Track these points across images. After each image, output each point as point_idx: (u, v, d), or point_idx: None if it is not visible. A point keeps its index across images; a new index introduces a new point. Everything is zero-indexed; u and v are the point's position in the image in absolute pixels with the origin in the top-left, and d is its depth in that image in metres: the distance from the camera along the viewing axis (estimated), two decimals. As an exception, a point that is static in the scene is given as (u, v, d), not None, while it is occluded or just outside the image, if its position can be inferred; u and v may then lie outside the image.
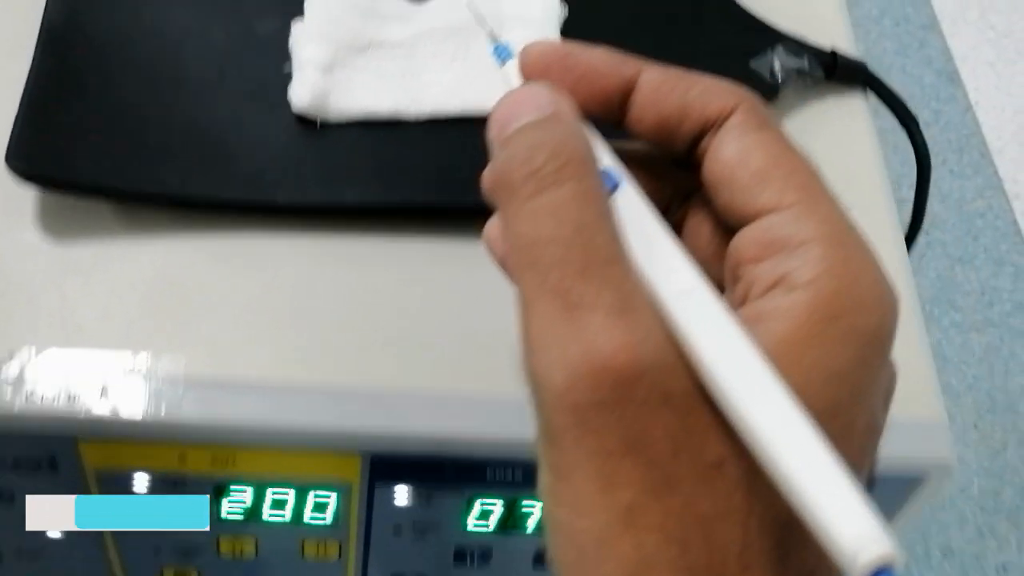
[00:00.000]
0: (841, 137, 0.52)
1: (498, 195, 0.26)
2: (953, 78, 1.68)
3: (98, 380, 0.39)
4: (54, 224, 0.42)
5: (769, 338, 0.23)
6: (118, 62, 0.46)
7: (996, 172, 1.61)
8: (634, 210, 0.26)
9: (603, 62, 0.28)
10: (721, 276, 0.27)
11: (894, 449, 0.43)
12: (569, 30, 0.49)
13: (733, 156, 0.26)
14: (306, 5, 0.48)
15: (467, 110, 0.46)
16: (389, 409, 0.40)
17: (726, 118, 0.27)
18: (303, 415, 0.39)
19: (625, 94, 0.28)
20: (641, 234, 0.25)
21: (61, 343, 0.39)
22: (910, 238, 0.57)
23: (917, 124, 0.54)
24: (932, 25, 1.73)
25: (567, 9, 0.49)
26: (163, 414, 0.38)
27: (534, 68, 0.29)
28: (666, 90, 0.28)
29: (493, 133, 0.27)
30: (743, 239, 0.26)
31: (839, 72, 0.52)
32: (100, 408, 0.38)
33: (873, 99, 0.54)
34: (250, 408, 0.39)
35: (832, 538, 0.20)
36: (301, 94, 0.45)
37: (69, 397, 0.38)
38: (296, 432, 0.39)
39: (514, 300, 0.25)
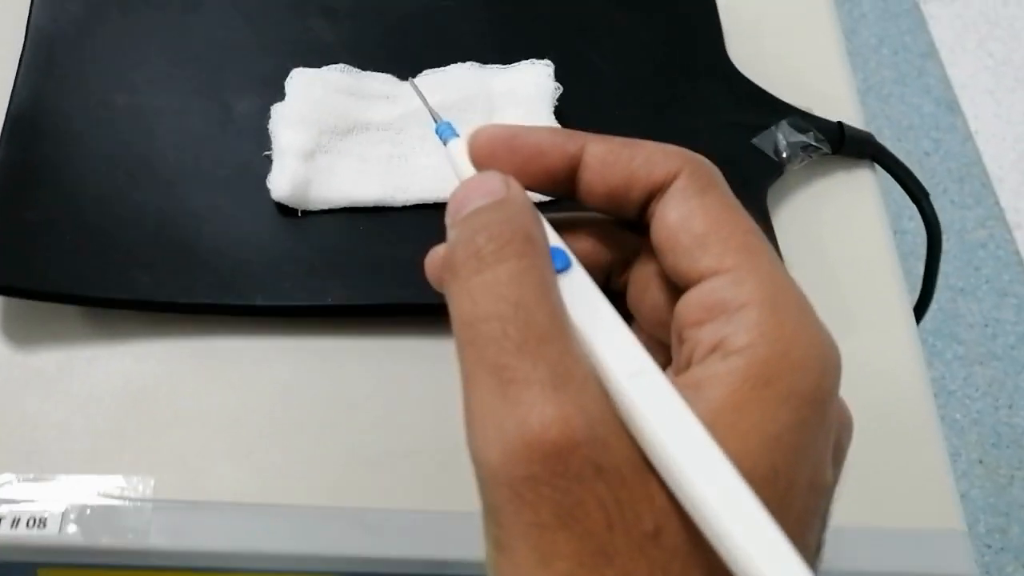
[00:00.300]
0: (849, 211, 0.50)
1: (444, 278, 0.26)
2: (952, 107, 1.67)
3: (60, 504, 0.36)
4: (15, 329, 0.40)
5: (707, 406, 0.24)
6: (87, 154, 0.43)
7: (997, 202, 1.59)
8: (584, 291, 0.26)
9: (547, 141, 0.29)
10: (667, 339, 0.28)
11: (913, 561, 0.41)
12: (566, 106, 0.47)
13: (676, 221, 0.27)
14: (287, 85, 0.46)
15: None
16: (370, 531, 0.37)
17: (671, 182, 0.27)
18: (279, 539, 0.37)
19: (572, 170, 0.28)
20: (591, 315, 0.26)
21: (20, 465, 0.37)
22: (920, 310, 0.55)
23: (927, 197, 0.52)
24: (931, 53, 1.71)
25: (561, 87, 0.47)
26: (129, 540, 0.36)
27: (481, 151, 0.29)
28: (611, 161, 0.28)
29: (447, 221, 0.28)
30: (686, 302, 0.26)
31: (846, 145, 0.50)
32: (62, 534, 0.36)
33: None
34: (223, 533, 0.37)
35: None
36: (281, 183, 0.42)
37: (29, 522, 0.36)
38: (272, 556, 0.37)
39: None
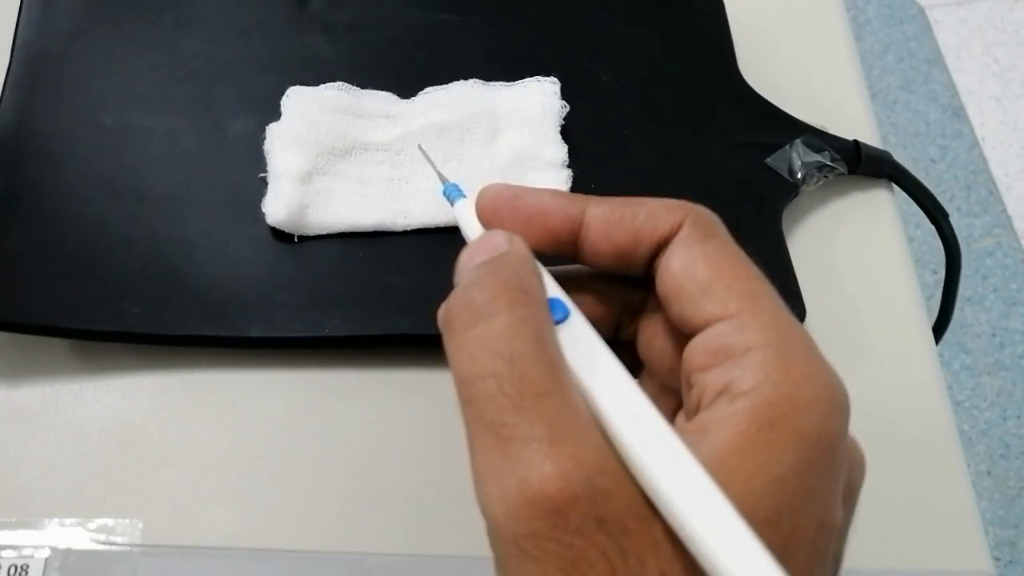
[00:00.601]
0: (866, 232, 0.48)
1: (443, 330, 0.27)
2: (959, 113, 1.65)
3: (43, 551, 0.34)
4: (1, 363, 0.38)
5: (711, 448, 0.24)
6: (73, 178, 0.41)
7: (1004, 209, 1.57)
8: (584, 340, 0.27)
9: (549, 203, 0.29)
10: (679, 385, 0.28)
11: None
12: (573, 125, 0.45)
13: (680, 270, 0.27)
14: (283, 104, 0.44)
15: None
16: (372, 578, 0.35)
17: (675, 234, 0.28)
18: (275, 586, 0.35)
19: (572, 233, 0.29)
20: (590, 362, 0.26)
21: (1, 508, 0.35)
22: (939, 331, 0.53)
23: (947, 217, 0.50)
24: (936, 60, 1.69)
25: (567, 106, 0.45)
26: (117, 588, 0.34)
27: (486, 211, 0.30)
28: (614, 221, 0.29)
29: (455, 280, 0.28)
30: (693, 348, 0.27)
31: (863, 164, 0.48)
32: (46, 582, 0.34)
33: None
34: (215, 580, 0.35)
35: None
36: (276, 208, 0.41)
37: (10, 570, 0.34)
38: (268, 604, 0.35)
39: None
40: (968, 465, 1.31)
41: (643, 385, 0.26)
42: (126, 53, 0.45)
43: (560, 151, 0.44)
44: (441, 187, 0.33)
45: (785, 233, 0.45)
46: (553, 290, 0.28)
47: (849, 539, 0.27)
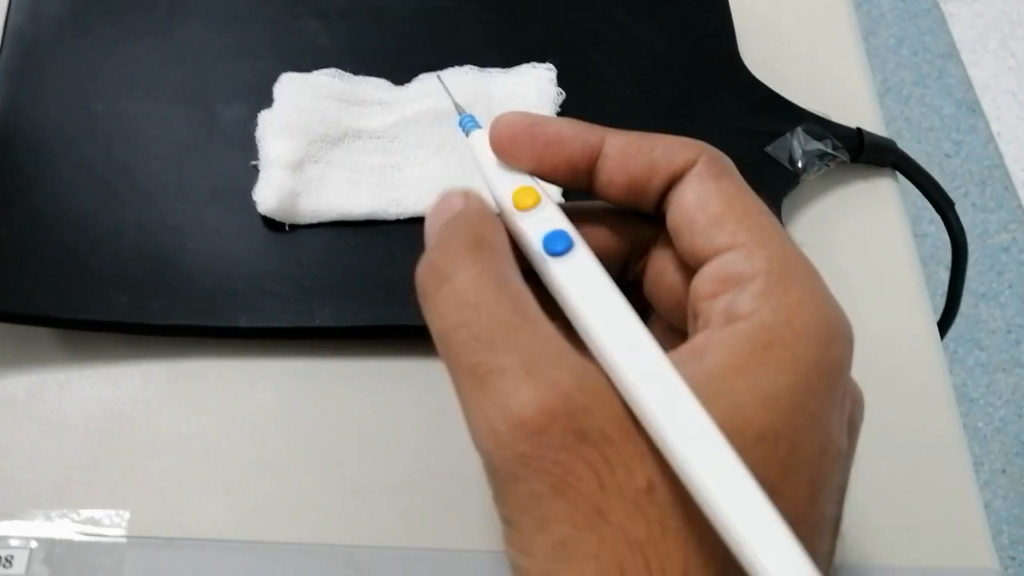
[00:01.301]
0: (869, 222, 0.47)
1: (419, 301, 0.28)
2: (974, 108, 1.63)
3: (28, 542, 0.34)
4: (-15, 352, 0.38)
5: (704, 367, 0.25)
6: (62, 165, 0.41)
7: (1020, 204, 1.55)
8: (585, 270, 0.27)
9: (568, 131, 0.30)
10: (684, 324, 0.29)
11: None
12: (571, 112, 0.44)
13: (692, 202, 0.28)
14: (275, 91, 0.43)
15: None
16: (360, 570, 0.35)
17: (689, 169, 0.28)
18: (262, 579, 0.34)
19: (591, 161, 0.29)
20: (591, 293, 0.26)
21: (-13, 498, 0.35)
22: (944, 325, 0.52)
23: (953, 207, 0.49)
24: (951, 54, 1.67)
25: (563, 93, 0.44)
26: (102, 580, 0.34)
27: (501, 139, 0.30)
28: (632, 152, 0.29)
29: (425, 245, 0.29)
30: (701, 278, 0.27)
31: (866, 152, 0.47)
32: (30, 574, 0.33)
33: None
34: (201, 571, 0.34)
35: (756, 571, 0.21)
36: (267, 196, 0.40)
37: (-4, 560, 0.34)
38: (255, 597, 0.34)
39: None
40: (983, 463, 1.29)
41: (649, 327, 0.26)
42: (118, 39, 0.45)
43: None
44: (458, 117, 0.33)
45: (785, 223, 0.45)
46: (558, 222, 0.28)
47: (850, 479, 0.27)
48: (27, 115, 0.42)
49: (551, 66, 0.45)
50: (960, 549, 0.38)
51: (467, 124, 0.33)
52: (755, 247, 0.26)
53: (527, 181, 0.30)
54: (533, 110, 0.44)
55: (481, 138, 0.31)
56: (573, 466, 0.23)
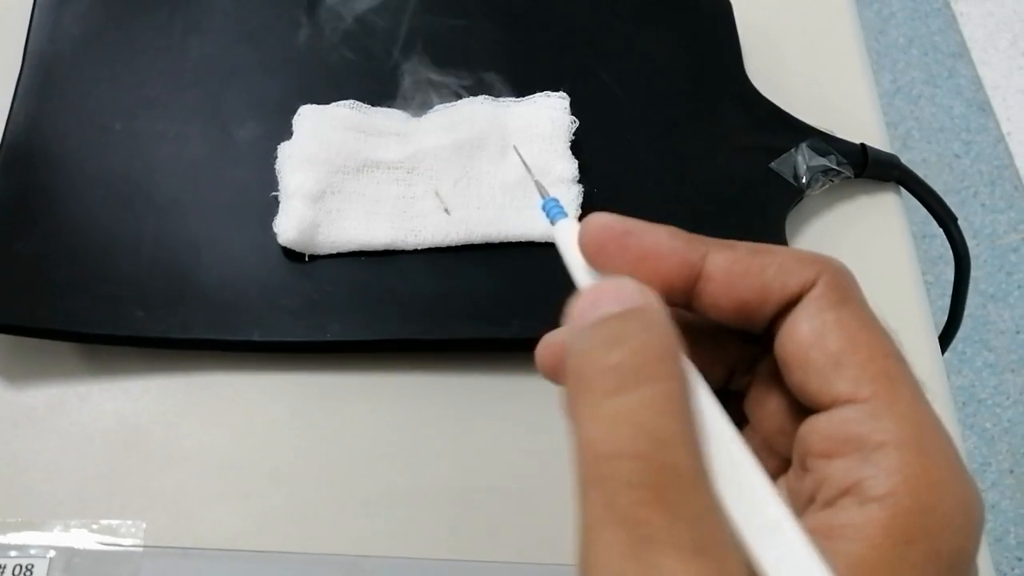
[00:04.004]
0: (873, 237, 0.48)
1: (569, 385, 0.23)
2: (984, 108, 1.63)
3: (47, 551, 0.35)
4: (3, 366, 0.39)
5: (844, 561, 0.22)
6: (82, 183, 0.42)
7: (1030, 205, 1.55)
8: (707, 414, 0.23)
9: (666, 245, 0.26)
10: (787, 450, 0.26)
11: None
12: (581, 128, 0.45)
13: (808, 336, 0.24)
14: (295, 123, 0.44)
15: (470, 239, 0.42)
16: (370, 581, 0.36)
17: (806, 293, 0.25)
18: (275, 588, 0.35)
19: (690, 279, 0.26)
20: (718, 447, 0.23)
21: (7, 509, 0.36)
22: (946, 339, 0.53)
23: (955, 221, 0.50)
24: (961, 54, 1.67)
25: (577, 122, 0.45)
26: (120, 588, 0.35)
27: (591, 242, 0.27)
28: (739, 272, 0.25)
29: (571, 320, 0.25)
30: (814, 429, 0.24)
31: (870, 168, 0.48)
32: (51, 582, 0.35)
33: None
34: (216, 581, 0.35)
35: None
36: (287, 228, 0.41)
37: (15, 570, 0.35)
38: (268, 605, 0.35)
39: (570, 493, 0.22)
40: (990, 464, 1.28)
41: (745, 437, 0.23)
42: (135, 59, 0.46)
43: (571, 167, 0.43)
44: (540, 201, 0.30)
45: (789, 239, 0.45)
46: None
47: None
48: (47, 134, 0.43)
49: (564, 95, 0.45)
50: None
51: (552, 212, 0.29)
52: (882, 405, 0.23)
53: None
54: (548, 141, 0.44)
55: (567, 229, 0.28)
56: None
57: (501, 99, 0.45)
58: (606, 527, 0.21)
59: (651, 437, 0.21)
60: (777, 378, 0.26)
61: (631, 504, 0.21)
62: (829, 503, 0.23)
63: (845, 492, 0.23)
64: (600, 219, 0.26)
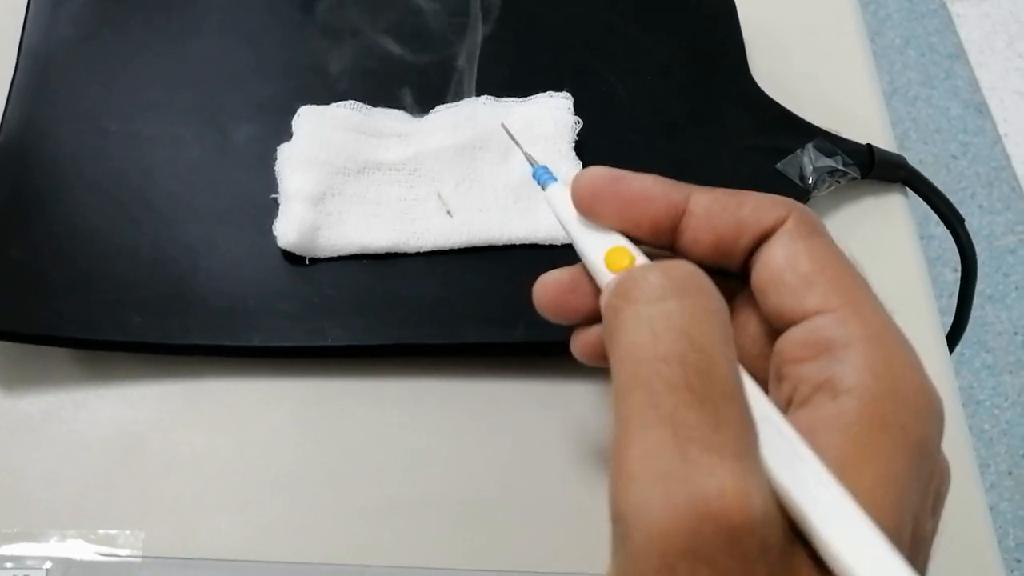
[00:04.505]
0: (879, 239, 0.47)
1: (613, 303, 0.25)
2: (981, 109, 1.63)
3: (43, 561, 0.34)
4: (2, 373, 0.38)
5: (829, 454, 0.23)
6: (77, 186, 0.41)
7: (1027, 206, 1.55)
8: None
9: (653, 188, 0.29)
10: (766, 375, 0.27)
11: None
12: (584, 129, 0.44)
13: (782, 261, 0.27)
14: (294, 124, 0.43)
15: (473, 241, 0.41)
16: (374, 591, 0.35)
17: (779, 227, 0.28)
18: (276, 599, 0.35)
19: (675, 219, 0.29)
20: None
21: (2, 518, 0.35)
22: (953, 339, 0.52)
23: (963, 222, 0.49)
24: (958, 55, 1.67)
25: (581, 122, 0.44)
26: (118, 600, 0.34)
27: (583, 194, 0.29)
28: (718, 210, 0.28)
29: (603, 302, 0.27)
30: (788, 340, 0.26)
31: (876, 169, 0.47)
32: (47, 593, 0.34)
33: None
34: (216, 592, 0.34)
35: None
36: (287, 231, 0.40)
37: (13, 580, 0.34)
38: (269, 616, 0.35)
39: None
40: (989, 465, 1.28)
41: None
42: (132, 60, 0.45)
43: (575, 167, 0.43)
44: (531, 168, 0.32)
45: (796, 240, 0.45)
46: None
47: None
48: (42, 136, 0.42)
49: (567, 95, 0.44)
50: (967, 564, 0.38)
51: (542, 176, 0.32)
52: (848, 312, 0.25)
53: (618, 240, 0.29)
54: (551, 141, 0.43)
55: (559, 192, 0.31)
56: None
57: (503, 99, 0.45)
58: (649, 426, 0.22)
59: (694, 344, 0.23)
60: (753, 307, 0.29)
61: (675, 405, 0.22)
62: (804, 402, 0.25)
63: (818, 388, 0.24)
64: (591, 171, 0.29)
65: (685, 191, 0.29)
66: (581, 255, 0.30)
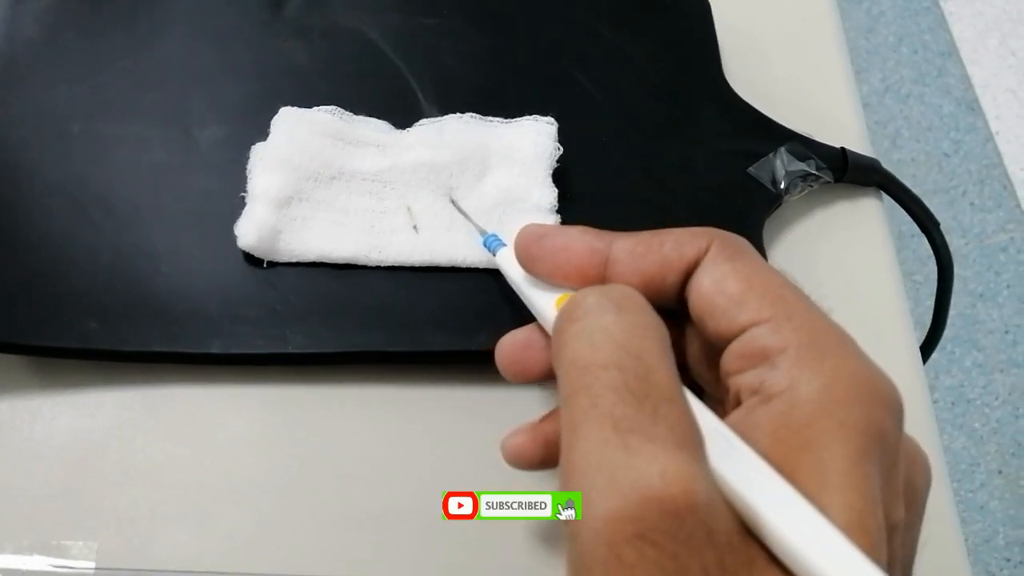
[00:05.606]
0: (853, 244, 0.47)
1: (557, 328, 0.26)
2: (973, 107, 1.62)
3: (-4, 573, 0.34)
4: (-44, 380, 0.37)
5: (761, 455, 0.24)
6: (35, 187, 0.41)
7: (1019, 204, 1.54)
8: None
9: (575, 241, 0.30)
10: (722, 399, 0.28)
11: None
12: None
13: (711, 287, 0.28)
14: (272, 124, 0.42)
15: (435, 261, 0.40)
16: (331, 603, 0.34)
17: (703, 257, 0.28)
18: (232, 611, 0.34)
19: (600, 265, 0.30)
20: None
21: (-45, 529, 0.34)
22: (927, 349, 0.51)
23: (938, 227, 0.48)
24: (951, 52, 1.67)
25: (561, 148, 0.43)
26: (71, 612, 0.33)
27: (518, 253, 0.32)
28: (640, 252, 0.29)
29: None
30: (729, 354, 0.27)
31: (850, 172, 0.47)
32: (-1, 605, 0.33)
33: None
34: (171, 604, 0.34)
35: None
36: (247, 231, 0.39)
37: (-36, 592, 0.33)
38: (225, 629, 0.34)
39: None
40: (979, 464, 1.28)
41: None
42: (96, 59, 0.44)
43: (549, 195, 0.42)
44: (481, 238, 0.35)
45: (767, 245, 0.44)
46: None
47: (921, 546, 0.26)
48: (1, 137, 0.41)
49: (552, 120, 0.43)
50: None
51: (492, 244, 0.35)
52: (781, 320, 0.26)
53: (568, 291, 0.30)
54: (528, 165, 0.42)
55: (508, 256, 0.32)
56: (688, 566, 0.21)
57: (488, 119, 0.44)
58: (590, 422, 0.23)
59: (631, 352, 0.24)
60: (696, 345, 0.30)
61: (614, 404, 0.23)
62: (739, 407, 0.26)
63: (752, 394, 0.25)
64: (522, 231, 0.31)
65: (608, 239, 0.30)
66: (533, 310, 0.31)
